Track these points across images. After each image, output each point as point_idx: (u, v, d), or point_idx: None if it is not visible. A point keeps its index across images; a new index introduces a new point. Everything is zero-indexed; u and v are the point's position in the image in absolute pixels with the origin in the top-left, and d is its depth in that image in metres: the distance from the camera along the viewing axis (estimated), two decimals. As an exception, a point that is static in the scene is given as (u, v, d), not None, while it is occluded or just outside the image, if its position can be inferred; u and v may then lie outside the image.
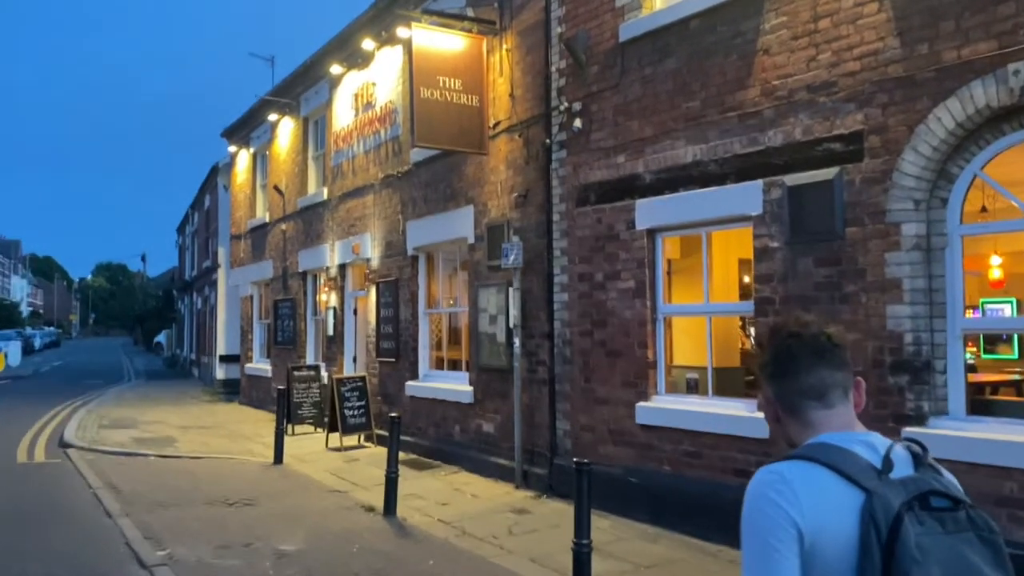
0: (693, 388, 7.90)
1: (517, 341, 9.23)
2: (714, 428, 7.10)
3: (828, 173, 6.24)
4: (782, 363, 1.68)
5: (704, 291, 7.58)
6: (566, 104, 8.69)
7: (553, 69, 8.97)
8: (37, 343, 60.24)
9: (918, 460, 1.57)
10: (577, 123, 8.51)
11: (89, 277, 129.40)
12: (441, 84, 9.47)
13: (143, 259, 66.41)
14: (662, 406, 7.63)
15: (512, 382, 9.41)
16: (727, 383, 7.72)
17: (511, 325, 9.33)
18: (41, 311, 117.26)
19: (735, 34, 7.00)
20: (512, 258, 9.24)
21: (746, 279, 8.93)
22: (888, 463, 1.52)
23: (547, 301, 8.99)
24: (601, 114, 8.32)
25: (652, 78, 7.77)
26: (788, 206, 6.53)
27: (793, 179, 6.50)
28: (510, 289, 9.41)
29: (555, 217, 8.91)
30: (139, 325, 64.64)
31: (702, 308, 7.63)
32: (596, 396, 8.29)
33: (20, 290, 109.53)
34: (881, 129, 5.93)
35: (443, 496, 9.09)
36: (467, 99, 9.65)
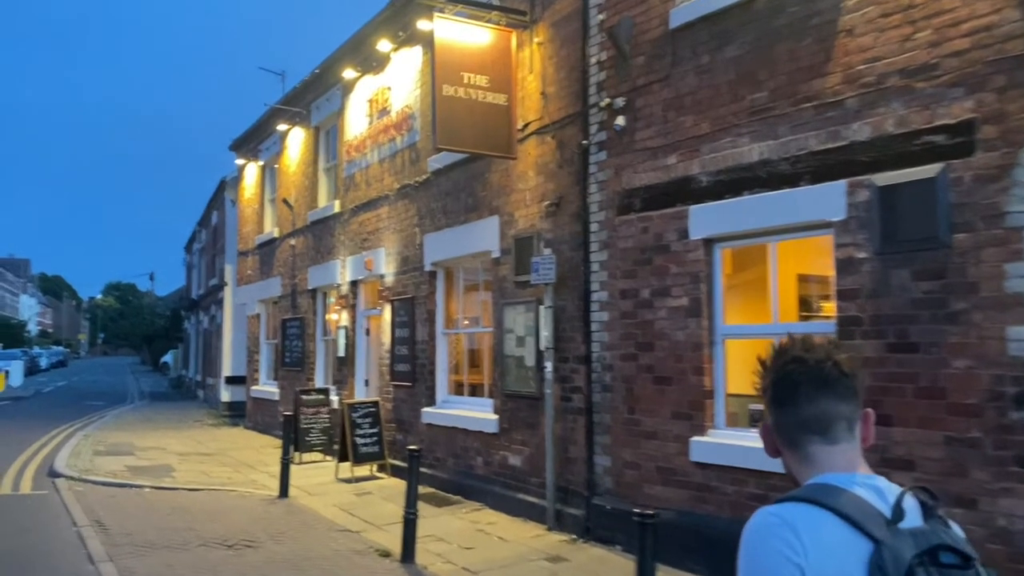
0: (757, 421, 6.90)
1: (549, 365, 8.27)
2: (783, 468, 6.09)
3: (929, 170, 5.29)
4: (781, 391, 1.55)
5: (772, 310, 6.62)
6: (607, 100, 7.78)
7: (592, 62, 8.07)
8: (43, 363, 59.52)
9: (927, 511, 1.44)
10: (620, 121, 7.60)
11: (99, 296, 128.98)
12: (466, 81, 8.58)
13: (151, 278, 65.94)
14: (721, 441, 6.65)
15: (543, 411, 8.45)
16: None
17: (542, 347, 8.37)
18: (50, 330, 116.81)
19: (810, 14, 6.09)
20: (543, 273, 8.31)
21: (809, 296, 7.97)
22: (899, 512, 1.40)
23: (583, 321, 8.04)
24: (648, 110, 7.41)
25: (709, 67, 6.86)
26: (878, 210, 5.58)
27: (884, 178, 5.56)
28: (541, 308, 8.46)
29: (593, 227, 7.98)
30: (147, 345, 63.93)
31: (770, 329, 6.66)
32: (642, 429, 7.31)
33: (29, 309, 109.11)
34: (997, 117, 4.99)
35: (466, 538, 8.11)
36: (494, 97, 8.75)
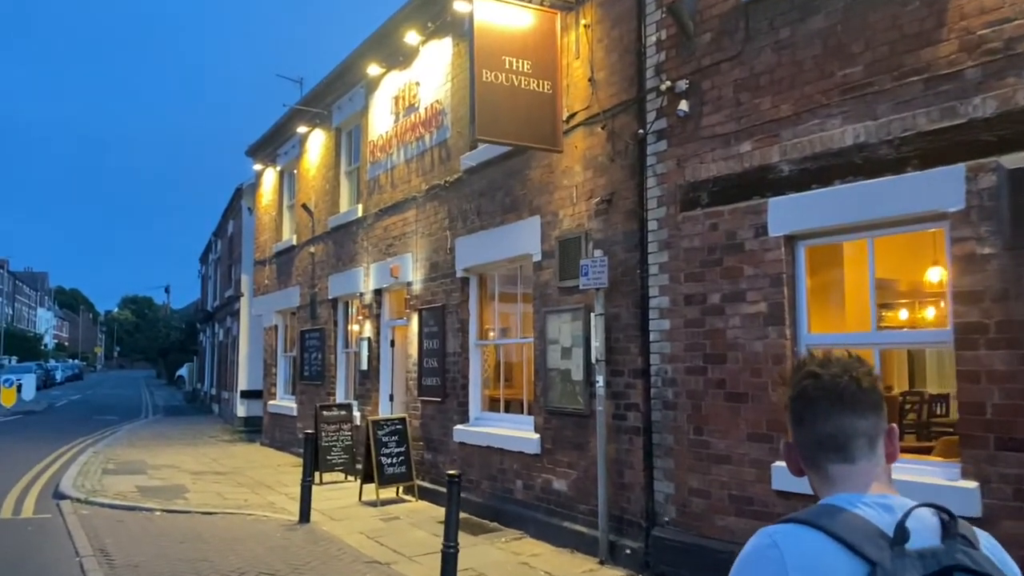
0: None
1: (600, 379, 7.44)
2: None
3: (1076, 148, 4.45)
4: (798, 408, 1.49)
5: (870, 316, 5.77)
6: (667, 84, 6.98)
7: (649, 43, 7.28)
8: (58, 376, 59.19)
9: (947, 529, 1.32)
10: (683, 106, 6.79)
11: (115, 310, 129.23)
12: (507, 66, 7.81)
13: (167, 291, 65.67)
14: (809, 467, 5.78)
15: (592, 430, 7.61)
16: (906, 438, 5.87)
17: (593, 359, 7.54)
18: (66, 343, 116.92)
19: (917, -27, 5.27)
20: (594, 277, 7.49)
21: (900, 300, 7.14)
22: (902, 532, 1.28)
23: (640, 330, 7.21)
24: (716, 92, 6.59)
25: (790, 42, 6.05)
26: (1007, 197, 4.74)
27: (1014, 160, 4.72)
28: (592, 315, 7.64)
29: (651, 225, 7.16)
30: (162, 358, 63.52)
31: (868, 339, 5.80)
32: (712, 451, 6.46)
33: (46, 322, 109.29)
34: None
35: (509, 572, 7.27)
36: (537, 85, 7.97)
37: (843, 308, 6.61)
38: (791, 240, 6.04)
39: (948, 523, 1.33)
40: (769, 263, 6.10)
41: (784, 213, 6.01)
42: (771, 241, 6.09)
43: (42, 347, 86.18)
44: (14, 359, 62.45)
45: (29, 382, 31.09)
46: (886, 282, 8.28)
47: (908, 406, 9.17)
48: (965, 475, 4.89)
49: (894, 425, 1.49)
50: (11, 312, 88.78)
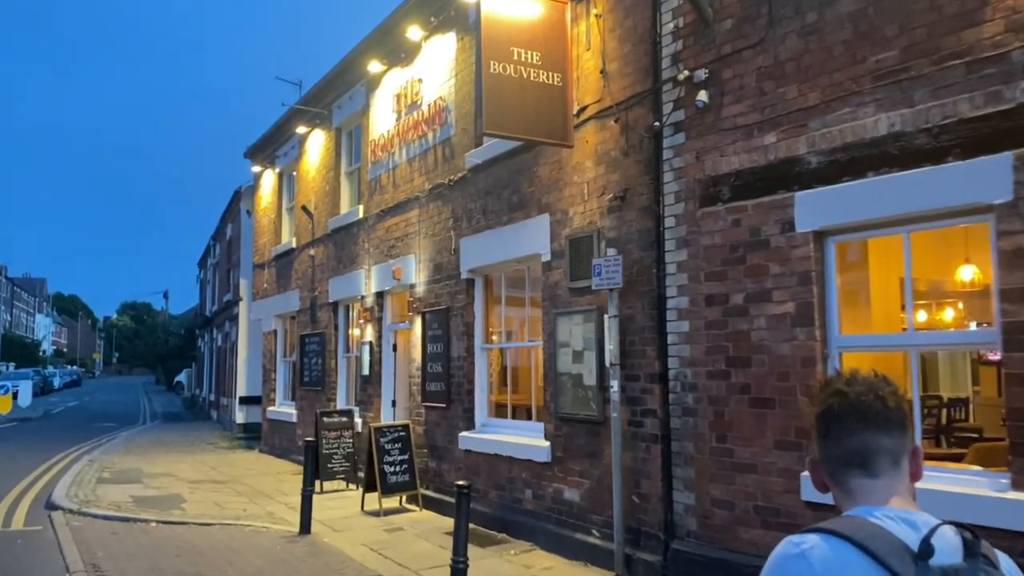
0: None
1: (615, 384, 7.09)
2: (928, 510, 4.88)
3: None
4: (824, 424, 1.52)
5: (908, 317, 5.43)
6: (685, 74, 6.64)
7: (665, 31, 6.95)
8: (56, 382, 58.75)
9: (969, 548, 1.33)
10: (702, 96, 6.46)
11: (114, 316, 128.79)
12: (516, 57, 7.48)
13: (166, 296, 65.01)
14: (842, 477, 5.44)
15: (606, 437, 7.28)
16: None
17: (608, 363, 7.20)
18: (65, 350, 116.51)
19: (957, -50, 4.95)
20: (607, 277, 7.15)
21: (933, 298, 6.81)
22: (927, 547, 1.29)
23: (657, 332, 6.87)
24: (738, 81, 6.26)
25: (818, 27, 5.72)
26: (1061, 187, 4.41)
27: (1068, 147, 4.39)
28: (605, 317, 7.30)
29: (668, 222, 6.83)
30: (161, 364, 63.09)
31: (905, 340, 5.46)
32: (736, 460, 6.11)
33: (44, 328, 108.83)
34: None
35: (520, 588, 6.92)
36: (547, 77, 7.64)
37: (874, 307, 6.27)
38: (820, 236, 5.70)
39: (971, 542, 1.34)
40: (797, 260, 5.76)
41: (812, 207, 5.67)
42: (799, 237, 5.75)
43: (40, 353, 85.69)
44: (12, 365, 62.04)
45: (25, 388, 30.69)
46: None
47: (925, 411, 8.85)
48: (1016, 486, 4.53)
49: (919, 445, 1.50)
50: (9, 318, 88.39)
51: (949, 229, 5.75)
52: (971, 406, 9.66)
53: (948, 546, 1.33)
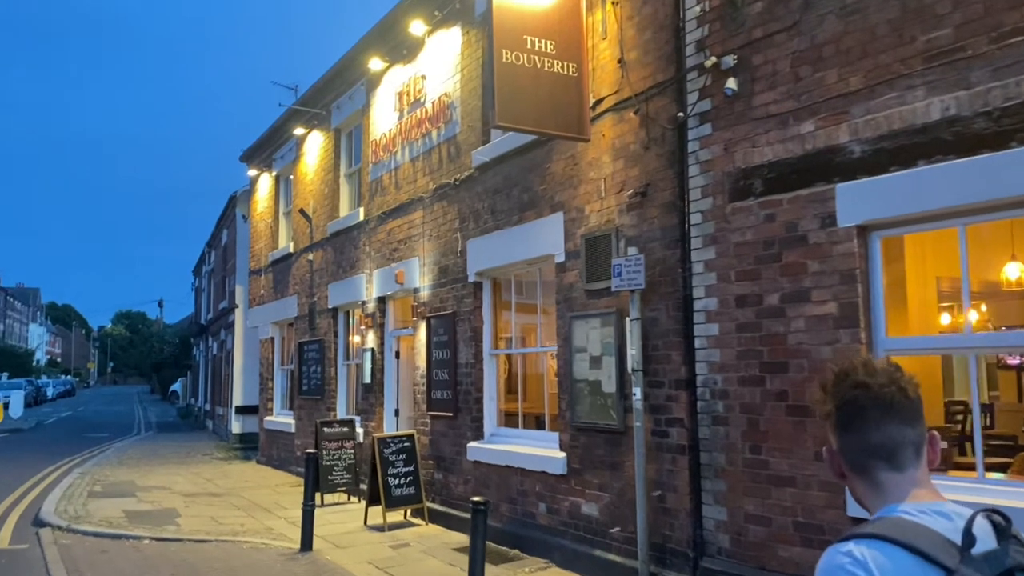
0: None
1: (638, 392, 6.67)
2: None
3: None
4: (847, 416, 1.50)
5: (965, 317, 5.02)
6: (712, 60, 6.24)
7: (688, 16, 6.56)
8: (50, 392, 58.12)
9: (1001, 532, 1.36)
10: (731, 84, 6.06)
11: (108, 325, 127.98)
12: (529, 46, 7.07)
13: (160, 305, 64.60)
14: (892, 491, 5.02)
15: (628, 448, 6.86)
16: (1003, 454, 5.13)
17: (630, 368, 6.77)
18: (59, 359, 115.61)
19: (1018, -83, 4.55)
20: (628, 278, 6.74)
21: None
22: (970, 538, 1.31)
23: (683, 336, 6.45)
24: (770, 67, 5.86)
25: (859, 6, 5.32)
26: None
27: None
28: (626, 320, 6.88)
29: (694, 218, 6.42)
30: (155, 373, 62.54)
31: (963, 342, 5.05)
32: (772, 473, 5.69)
33: (38, 338, 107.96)
34: None
35: (538, 610, 6.48)
36: (562, 67, 7.23)
37: (910, 308, 5.87)
38: (864, 231, 5.30)
39: (1002, 526, 1.36)
40: (839, 257, 5.35)
41: (856, 200, 5.26)
42: (841, 232, 5.34)
43: (34, 363, 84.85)
44: (5, 375, 61.36)
45: (17, 399, 30.15)
46: (944, 280, 7.54)
47: (955, 416, 8.46)
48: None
49: (935, 433, 1.52)
50: (2, 328, 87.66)
51: (986, 224, 5.37)
52: (995, 412, 9.29)
53: (982, 532, 1.35)
